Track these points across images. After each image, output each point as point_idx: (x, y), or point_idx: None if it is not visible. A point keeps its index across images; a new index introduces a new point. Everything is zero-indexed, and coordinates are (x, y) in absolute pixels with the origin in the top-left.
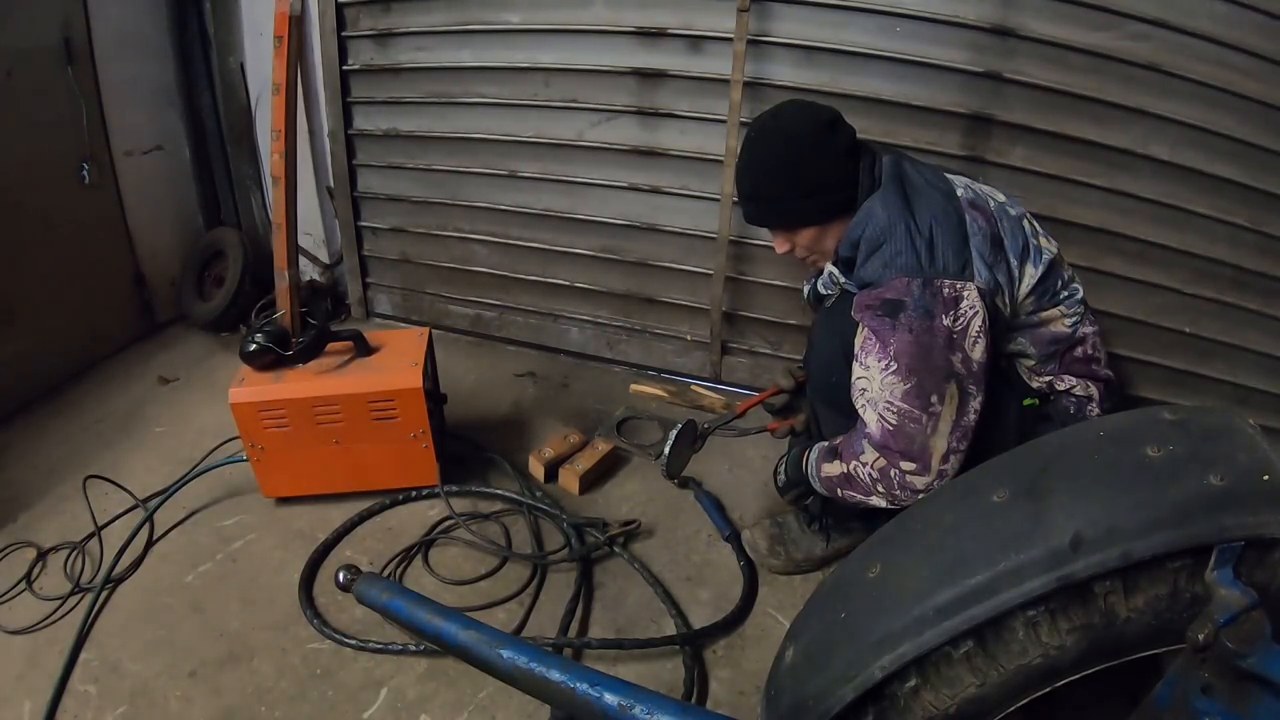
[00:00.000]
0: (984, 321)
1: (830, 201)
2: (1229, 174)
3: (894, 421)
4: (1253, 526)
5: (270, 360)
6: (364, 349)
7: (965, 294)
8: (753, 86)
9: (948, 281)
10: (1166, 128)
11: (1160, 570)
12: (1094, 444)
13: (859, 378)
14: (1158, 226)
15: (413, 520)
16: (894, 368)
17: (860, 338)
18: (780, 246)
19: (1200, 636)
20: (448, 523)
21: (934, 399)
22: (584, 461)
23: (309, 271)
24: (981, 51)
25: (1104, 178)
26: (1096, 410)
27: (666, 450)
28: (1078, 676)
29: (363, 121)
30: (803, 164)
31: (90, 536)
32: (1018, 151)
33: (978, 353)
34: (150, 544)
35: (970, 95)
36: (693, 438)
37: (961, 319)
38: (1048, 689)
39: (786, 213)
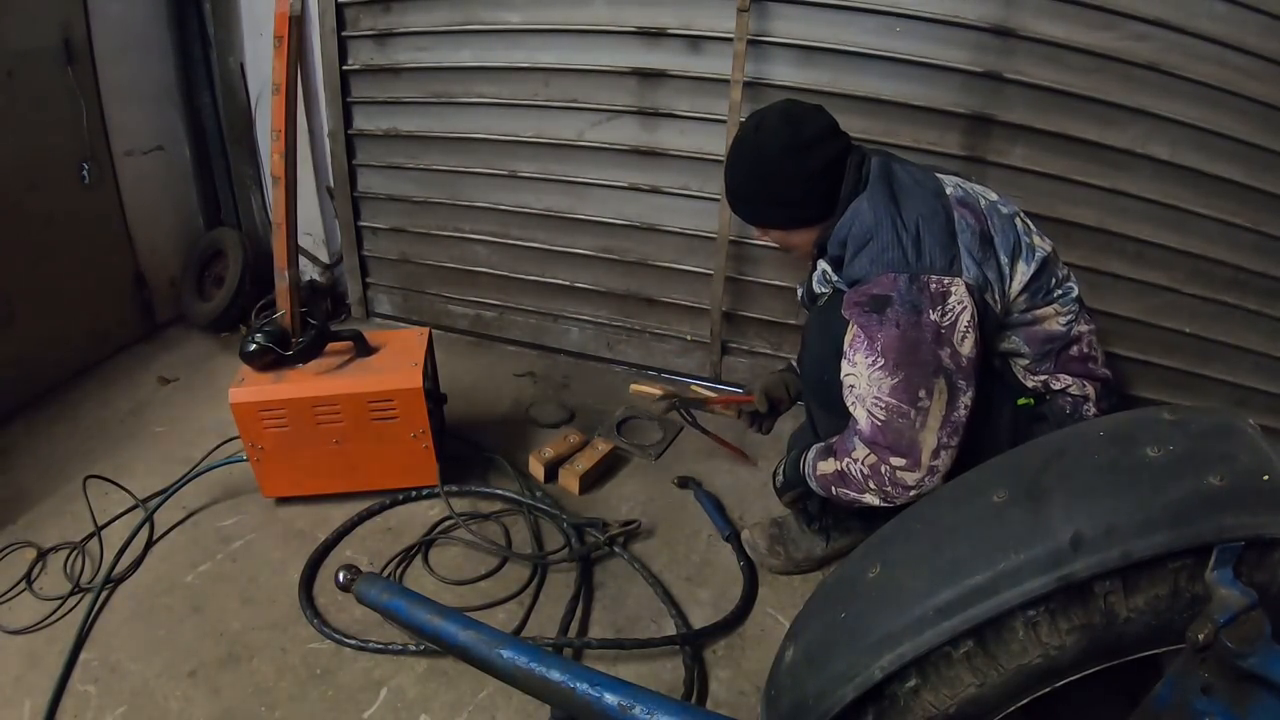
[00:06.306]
0: (973, 317)
1: (794, 215)
2: (1229, 174)
3: (882, 417)
4: (1253, 526)
5: (270, 360)
6: (364, 349)
7: (953, 289)
8: (753, 86)
9: (935, 277)
10: (1166, 128)
11: (1160, 570)
12: (1094, 444)
13: (847, 375)
14: (1158, 226)
15: (413, 520)
16: (881, 363)
17: (849, 335)
18: (759, 233)
19: (1200, 636)
20: (448, 523)
21: (922, 394)
22: (584, 461)
23: (309, 271)
24: (982, 51)
25: (1104, 178)
26: (1093, 410)
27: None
28: (1078, 676)
29: (363, 121)
30: (769, 181)
31: (90, 536)
32: (1018, 151)
33: (966, 348)
34: (150, 544)
35: (970, 95)
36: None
37: (949, 314)
38: (1048, 689)
39: (755, 213)
